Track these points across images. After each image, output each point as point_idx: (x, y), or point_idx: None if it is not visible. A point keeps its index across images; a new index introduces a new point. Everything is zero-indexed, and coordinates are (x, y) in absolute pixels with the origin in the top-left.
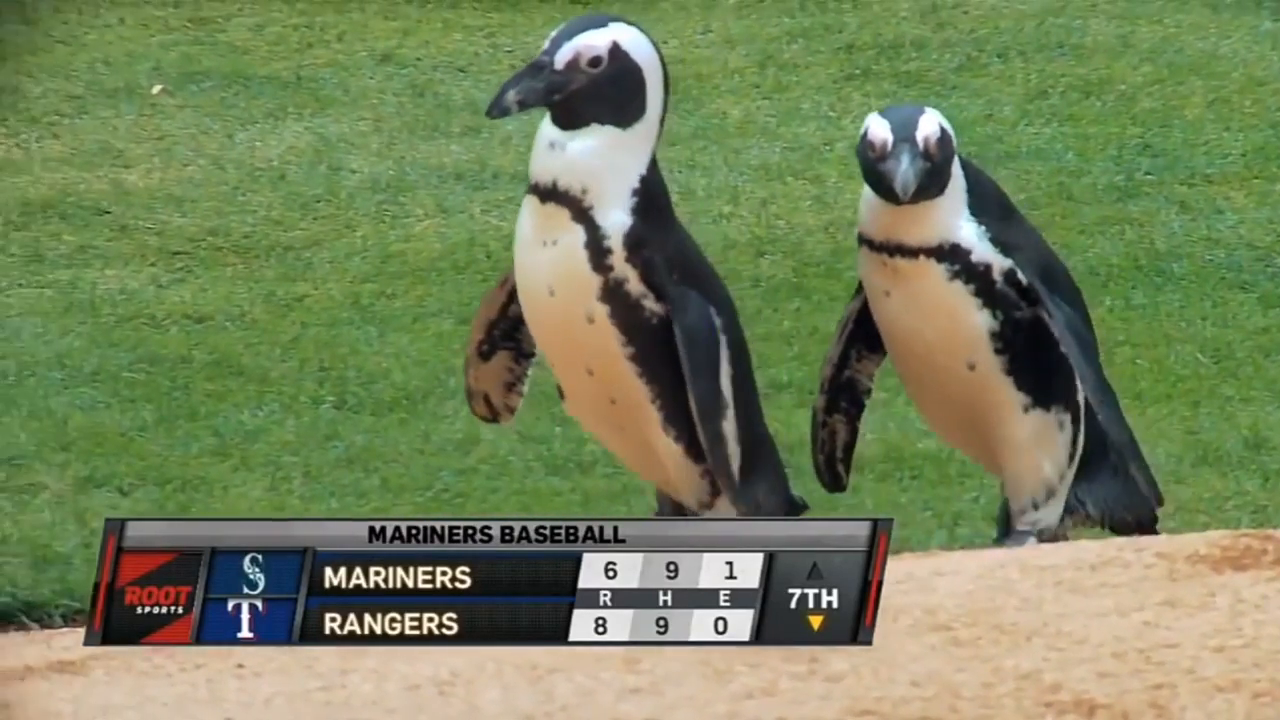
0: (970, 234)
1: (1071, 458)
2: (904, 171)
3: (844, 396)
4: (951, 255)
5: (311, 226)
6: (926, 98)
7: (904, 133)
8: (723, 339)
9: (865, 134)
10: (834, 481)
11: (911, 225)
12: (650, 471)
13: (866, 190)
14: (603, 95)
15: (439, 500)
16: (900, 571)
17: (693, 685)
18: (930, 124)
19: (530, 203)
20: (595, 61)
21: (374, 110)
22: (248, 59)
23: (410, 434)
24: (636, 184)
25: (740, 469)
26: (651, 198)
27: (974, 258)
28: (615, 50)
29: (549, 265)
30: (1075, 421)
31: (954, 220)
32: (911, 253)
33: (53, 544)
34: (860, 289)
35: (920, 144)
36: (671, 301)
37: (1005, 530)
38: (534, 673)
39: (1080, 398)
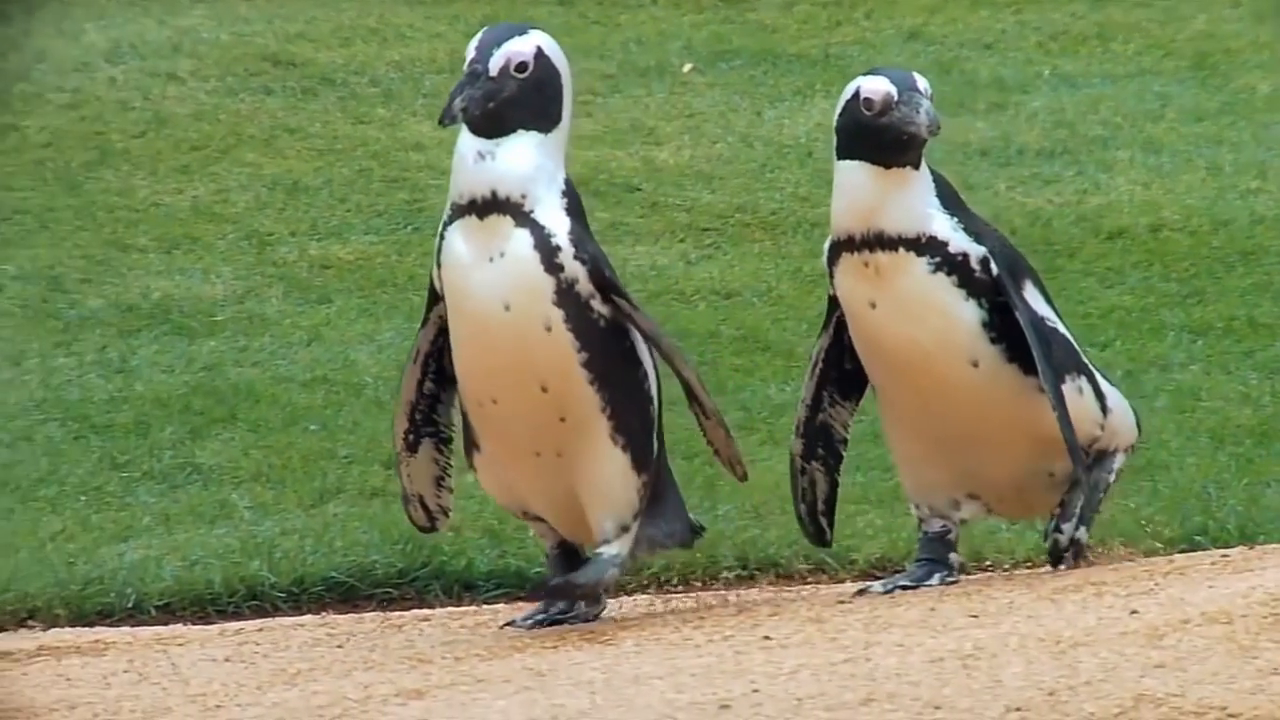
0: (944, 225)
1: (1104, 409)
2: (926, 108)
3: (820, 443)
4: (930, 247)
5: None
6: None
7: (906, 83)
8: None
9: (857, 96)
10: (818, 534)
11: (891, 210)
12: (566, 513)
13: (837, 191)
14: (529, 101)
15: None
16: None
17: (1217, 661)
18: (922, 79)
19: (464, 225)
20: (522, 67)
21: None
22: (777, 37)
23: None
24: (564, 185)
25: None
26: (575, 199)
27: (951, 248)
28: (539, 55)
29: (500, 278)
30: (1091, 379)
31: (927, 210)
32: (891, 244)
33: None
34: (825, 325)
35: (924, 91)
36: (622, 294)
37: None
38: (1057, 646)
39: (1085, 358)
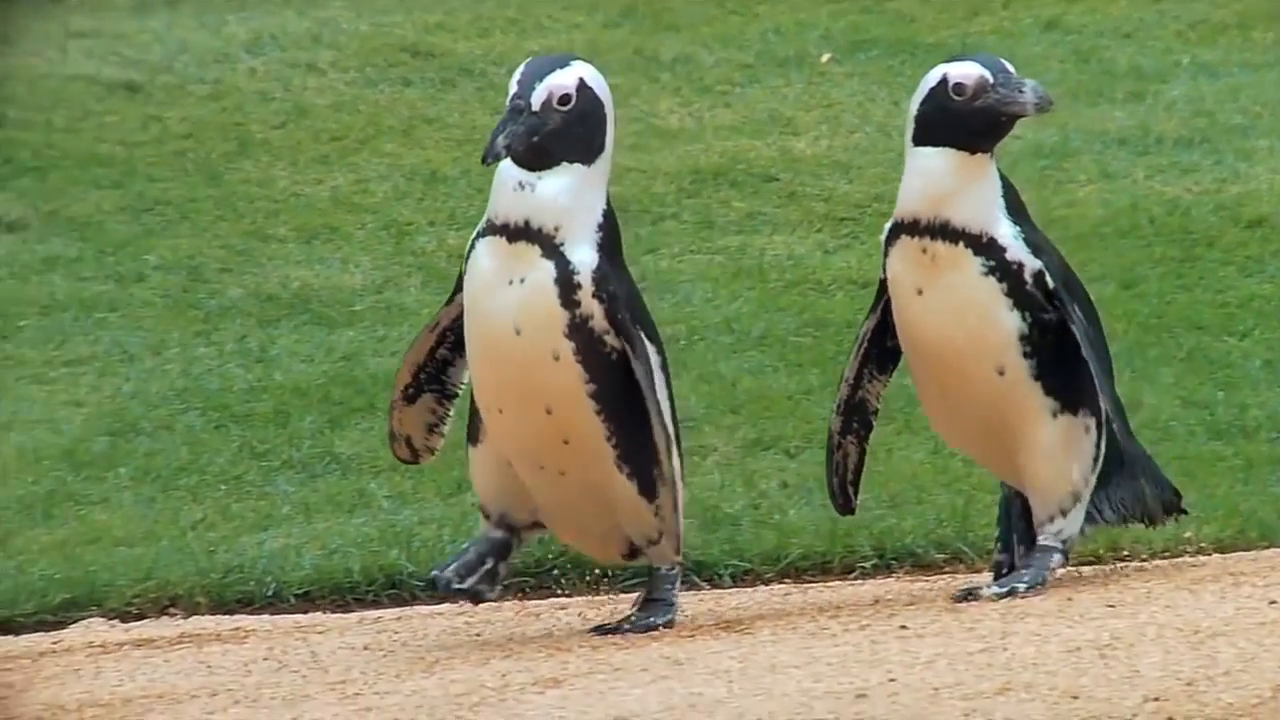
0: (1007, 231)
1: (1096, 461)
2: (1033, 85)
3: (855, 417)
4: (988, 249)
5: None
6: None
7: (998, 66)
8: (661, 377)
9: (944, 82)
10: (846, 504)
11: (963, 201)
12: (573, 524)
13: (911, 174)
14: (573, 133)
15: None
16: None
17: None
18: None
19: (493, 243)
20: (565, 99)
21: (1039, 77)
22: (914, 27)
23: None
24: (600, 219)
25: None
26: (611, 233)
27: (1008, 255)
28: (582, 87)
29: (516, 303)
30: (1099, 426)
31: (994, 213)
32: (954, 236)
33: (721, 505)
34: (875, 306)
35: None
36: (630, 340)
37: (1008, 539)
38: (1195, 636)
39: (1104, 404)
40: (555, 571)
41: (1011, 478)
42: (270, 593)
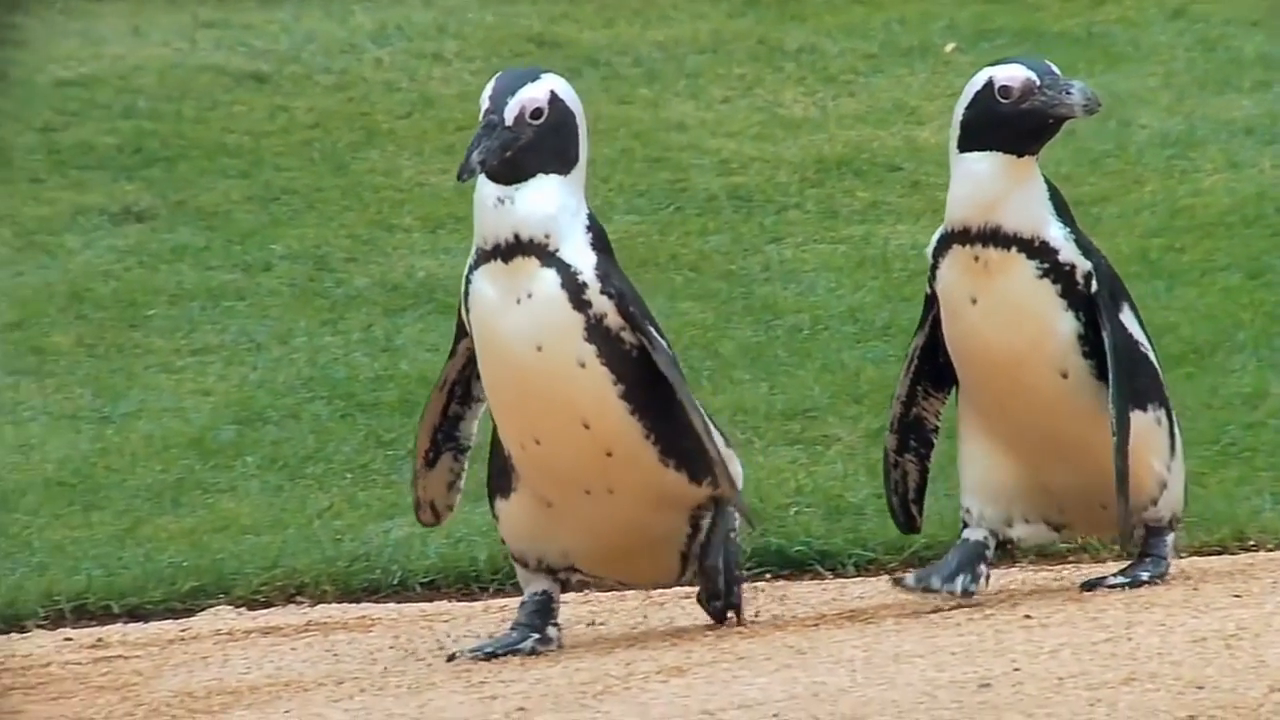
0: (1058, 233)
1: (1173, 449)
2: (1080, 87)
3: (913, 435)
4: (1041, 252)
5: (1100, 182)
6: None
7: (1044, 68)
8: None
9: (990, 85)
10: (909, 523)
11: (1012, 205)
12: (620, 551)
13: (958, 182)
14: (546, 146)
15: (1226, 454)
16: None
17: None
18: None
19: (489, 270)
20: (537, 113)
21: (1164, 65)
22: (1040, 16)
23: (1197, 388)
24: (587, 222)
25: None
26: (601, 235)
27: (1061, 257)
28: (554, 99)
29: (530, 319)
30: (1170, 414)
31: (1044, 214)
32: (1005, 241)
33: (845, 495)
34: (922, 322)
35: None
36: (645, 333)
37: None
38: None
39: (1167, 390)
40: None
41: (1082, 482)
42: (396, 581)
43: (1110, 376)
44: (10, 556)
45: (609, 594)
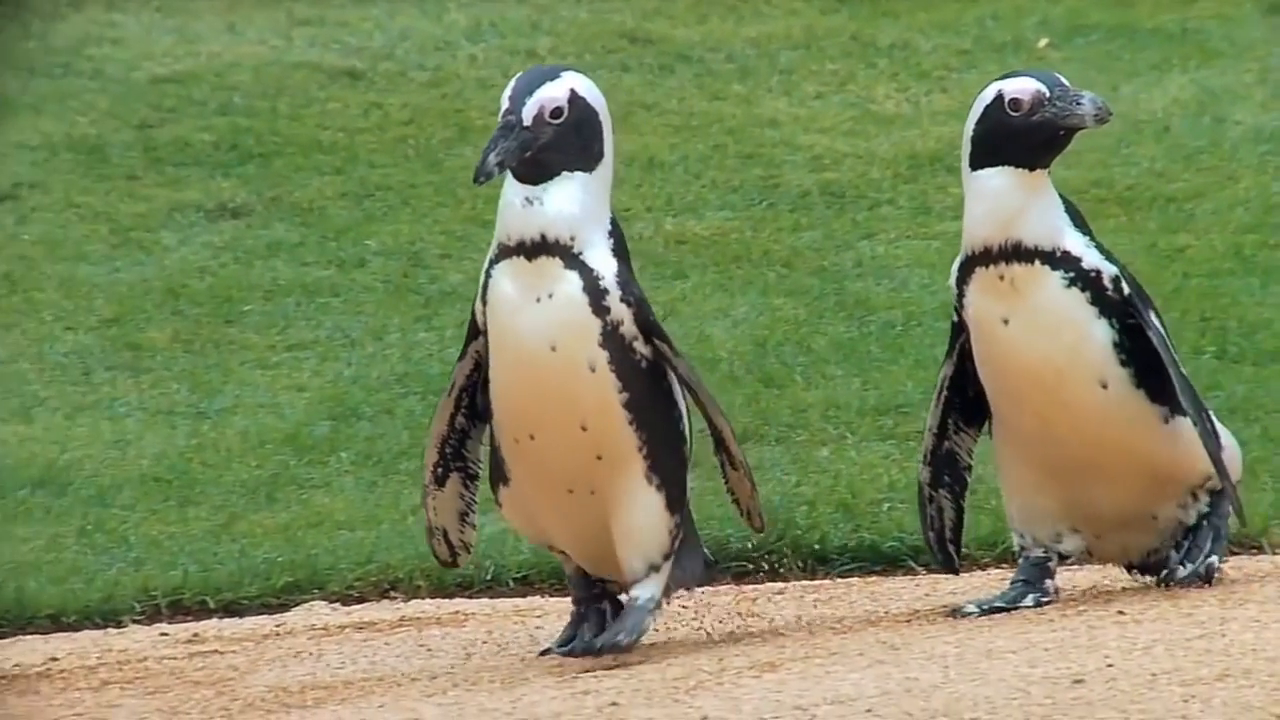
0: (1078, 241)
1: (1218, 443)
2: (1090, 97)
3: (947, 471)
4: (1064, 262)
5: (1194, 178)
6: None
7: (1053, 80)
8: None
9: (999, 99)
10: (947, 561)
11: (1030, 218)
12: (593, 549)
13: (973, 200)
14: (569, 144)
15: None
16: None
17: None
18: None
19: (511, 265)
20: (557, 112)
21: (1260, 62)
22: (1134, 12)
23: None
24: (610, 226)
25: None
26: (621, 239)
27: (1085, 264)
28: (574, 98)
29: (548, 318)
30: (1207, 414)
31: (1060, 225)
32: (1028, 255)
33: None
34: (950, 351)
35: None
36: (662, 339)
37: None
38: None
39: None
40: (772, 555)
41: (1123, 496)
42: (489, 576)
43: (1171, 371)
44: (107, 552)
45: (703, 589)
